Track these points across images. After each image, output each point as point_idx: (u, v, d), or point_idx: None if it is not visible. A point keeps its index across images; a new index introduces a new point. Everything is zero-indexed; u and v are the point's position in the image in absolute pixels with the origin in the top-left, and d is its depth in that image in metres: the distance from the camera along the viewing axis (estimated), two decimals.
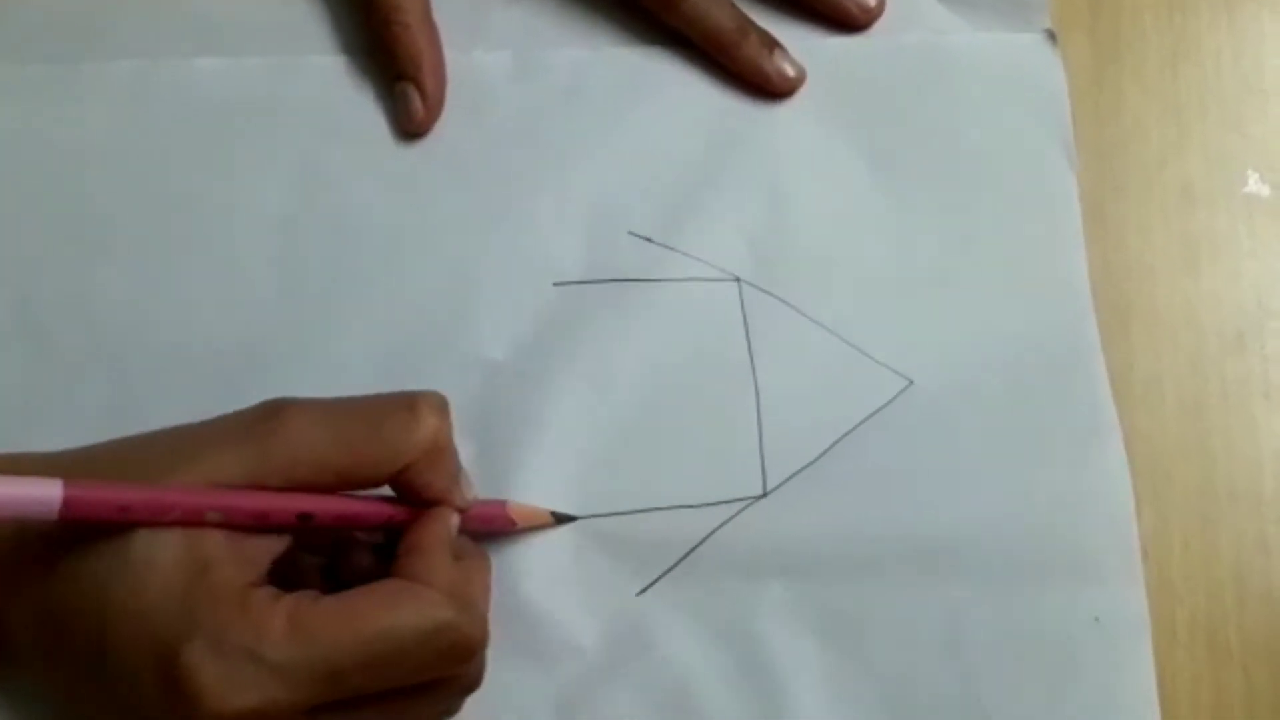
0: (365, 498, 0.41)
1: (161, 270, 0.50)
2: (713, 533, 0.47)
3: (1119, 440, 0.48)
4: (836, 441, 0.48)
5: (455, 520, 0.42)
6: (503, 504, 0.46)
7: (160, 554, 0.37)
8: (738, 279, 0.50)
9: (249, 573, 0.38)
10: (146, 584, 0.37)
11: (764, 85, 0.52)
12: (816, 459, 0.48)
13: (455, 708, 0.44)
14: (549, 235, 0.51)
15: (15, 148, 0.52)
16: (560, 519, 0.47)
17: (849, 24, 0.54)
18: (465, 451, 0.44)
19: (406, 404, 0.41)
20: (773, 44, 0.52)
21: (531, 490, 0.47)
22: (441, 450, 0.41)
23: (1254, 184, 0.53)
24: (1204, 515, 0.49)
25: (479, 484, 0.44)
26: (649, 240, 0.51)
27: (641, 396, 0.48)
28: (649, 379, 0.48)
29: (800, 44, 0.53)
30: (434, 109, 0.52)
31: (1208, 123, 0.53)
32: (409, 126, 0.52)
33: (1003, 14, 0.53)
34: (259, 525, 0.39)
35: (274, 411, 0.40)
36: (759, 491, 0.48)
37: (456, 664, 0.40)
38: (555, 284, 0.50)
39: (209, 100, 0.52)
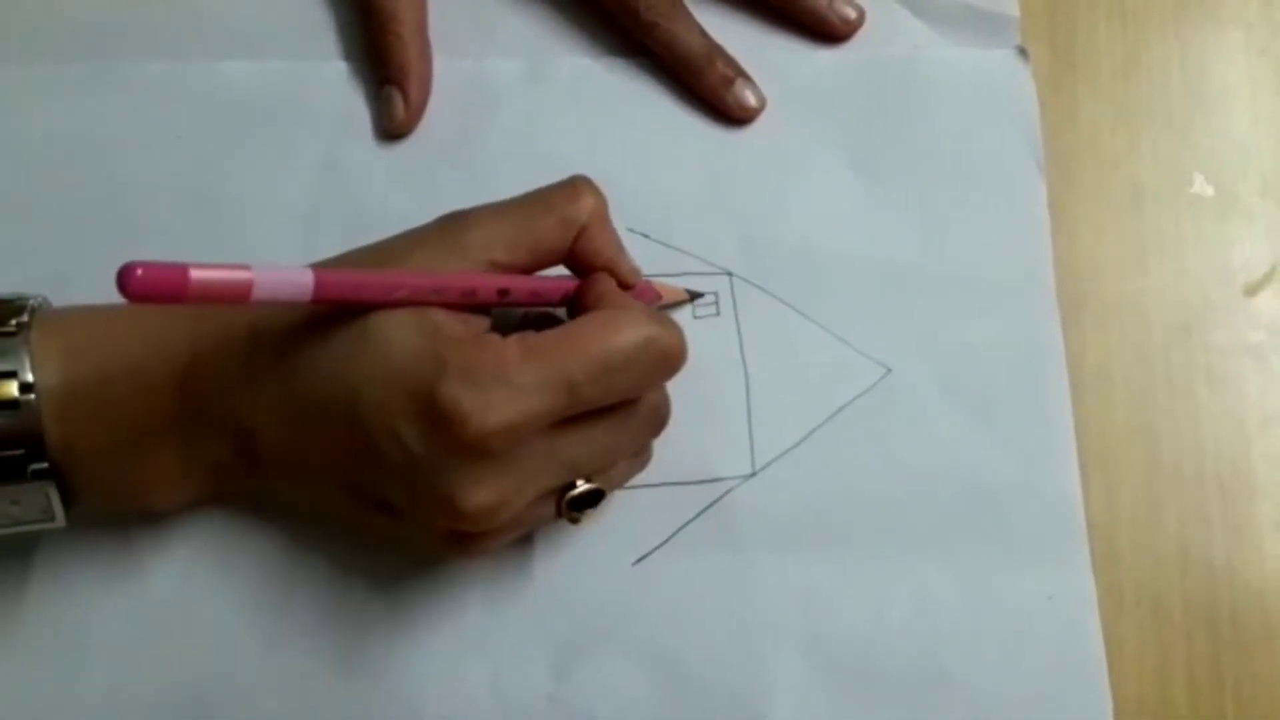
0: (549, 278, 0.43)
1: (188, 259, 0.48)
2: (705, 509, 0.47)
3: (1071, 435, 0.48)
4: (820, 425, 0.47)
5: (614, 283, 0.43)
6: (648, 280, 0.46)
7: (395, 326, 0.38)
8: (729, 273, 0.49)
9: (474, 328, 0.40)
10: (388, 350, 0.38)
11: (723, 111, 0.51)
12: (801, 441, 0.47)
13: (649, 454, 0.45)
14: None
15: (54, 142, 0.50)
16: (693, 295, 0.48)
17: (830, 35, 0.52)
18: None
19: (567, 184, 0.43)
20: (737, 74, 0.51)
21: None
22: (604, 218, 0.43)
23: (1199, 185, 0.52)
24: (1149, 492, 0.48)
25: None
26: (647, 236, 0.49)
27: None
28: None
29: (788, 55, 0.52)
30: (415, 114, 0.50)
31: (1156, 128, 0.52)
32: (390, 128, 0.50)
33: (978, 31, 0.52)
34: (467, 302, 0.40)
35: (458, 215, 0.42)
36: (748, 471, 0.47)
37: (665, 373, 0.41)
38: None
39: (234, 100, 0.51)
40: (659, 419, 0.43)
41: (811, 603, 0.46)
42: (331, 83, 0.51)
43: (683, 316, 0.48)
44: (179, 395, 0.40)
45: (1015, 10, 0.52)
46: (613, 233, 0.43)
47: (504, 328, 0.41)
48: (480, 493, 0.38)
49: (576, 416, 0.39)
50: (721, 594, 0.46)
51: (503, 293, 0.41)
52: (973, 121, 0.51)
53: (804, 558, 0.46)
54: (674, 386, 0.45)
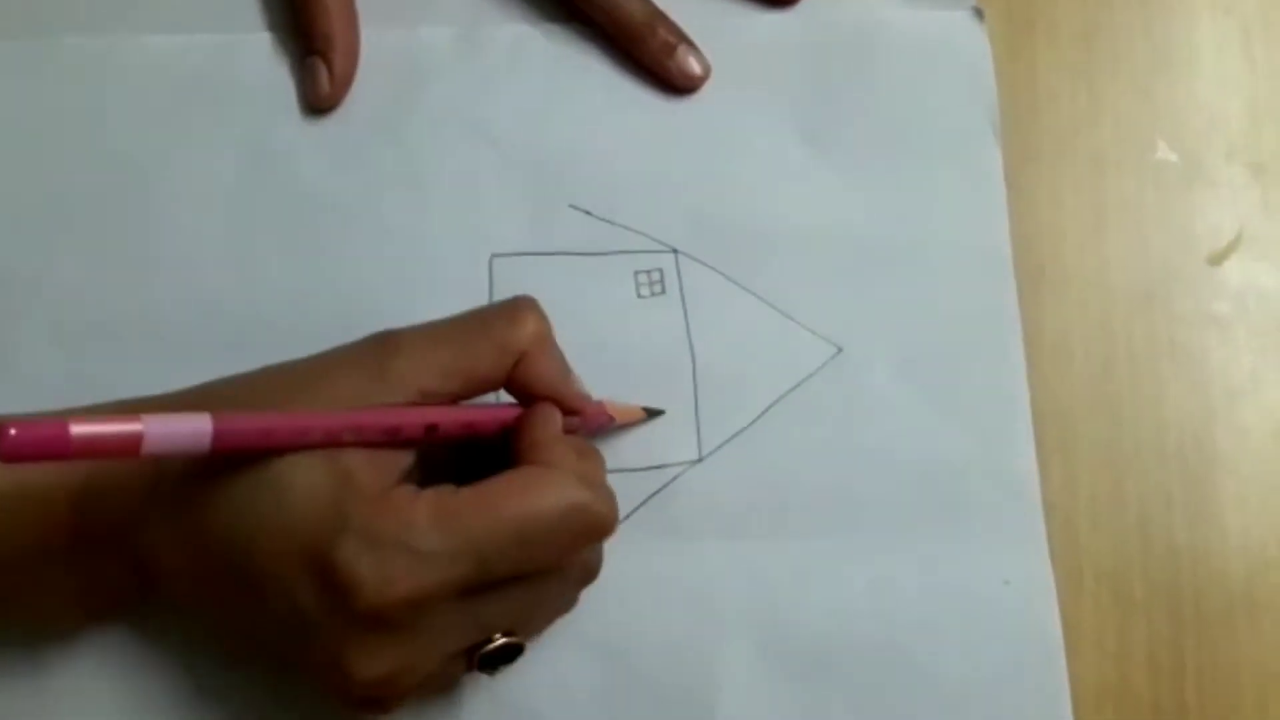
0: (484, 406, 0.40)
1: (116, 243, 0.47)
2: (651, 496, 0.45)
3: (1028, 412, 0.46)
4: (769, 407, 0.46)
5: (559, 417, 0.40)
6: (600, 403, 0.43)
7: (302, 471, 0.35)
8: (675, 251, 0.47)
9: (387, 478, 0.37)
10: (291, 498, 0.35)
11: (666, 80, 0.49)
12: (750, 424, 0.46)
13: (574, 600, 0.42)
14: (490, 208, 0.47)
15: None
16: (651, 413, 0.45)
17: (777, 0, 0.50)
18: None
19: (507, 306, 0.40)
20: (680, 40, 0.49)
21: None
22: (546, 342, 0.40)
23: (1162, 151, 0.50)
24: (1110, 469, 0.46)
25: None
26: (589, 214, 0.47)
27: (581, 365, 0.43)
28: (588, 348, 0.44)
29: (735, 20, 0.50)
30: (341, 86, 0.48)
31: (1118, 93, 0.50)
32: (315, 101, 0.48)
33: None
34: (390, 440, 0.37)
35: (387, 338, 0.39)
36: (695, 456, 0.45)
37: (590, 542, 0.38)
38: (495, 255, 0.47)
39: (160, 76, 0.48)
40: (588, 575, 0.41)
41: (762, 590, 0.44)
42: (260, 55, 0.49)
43: (627, 297, 0.47)
44: (73, 519, 0.38)
45: None
46: (556, 357, 0.41)
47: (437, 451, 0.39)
48: (375, 664, 0.35)
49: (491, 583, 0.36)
50: (669, 583, 0.44)
51: (431, 429, 0.38)
52: (926, 86, 0.49)
53: (754, 544, 0.44)
54: (618, 368, 0.44)
